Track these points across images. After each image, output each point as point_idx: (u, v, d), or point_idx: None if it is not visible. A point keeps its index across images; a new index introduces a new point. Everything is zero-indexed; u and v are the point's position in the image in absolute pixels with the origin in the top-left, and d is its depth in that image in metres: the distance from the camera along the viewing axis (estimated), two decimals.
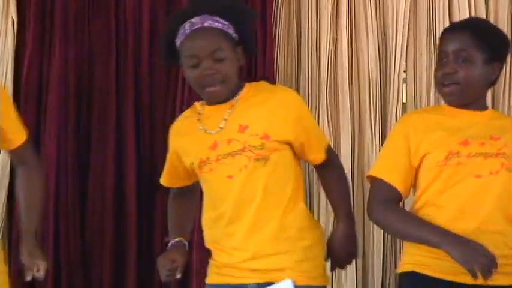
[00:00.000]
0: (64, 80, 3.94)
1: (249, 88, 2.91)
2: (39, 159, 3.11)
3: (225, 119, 2.87)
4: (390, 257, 4.05)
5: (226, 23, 2.83)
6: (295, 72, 4.08)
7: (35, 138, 3.78)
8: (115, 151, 3.80)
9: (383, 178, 2.96)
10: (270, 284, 2.73)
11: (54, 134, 3.90)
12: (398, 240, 3.84)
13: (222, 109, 2.87)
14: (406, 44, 4.09)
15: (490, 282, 2.70)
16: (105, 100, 3.97)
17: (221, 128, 2.87)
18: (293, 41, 4.09)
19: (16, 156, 3.09)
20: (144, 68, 3.92)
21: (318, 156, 2.98)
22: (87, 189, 3.96)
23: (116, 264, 3.92)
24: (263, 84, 3.00)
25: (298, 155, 2.92)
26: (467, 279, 2.68)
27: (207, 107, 2.91)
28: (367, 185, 3.18)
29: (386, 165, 3.00)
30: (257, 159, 2.86)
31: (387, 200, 2.98)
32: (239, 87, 2.89)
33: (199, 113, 2.93)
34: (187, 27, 2.83)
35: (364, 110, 3.97)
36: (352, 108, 3.97)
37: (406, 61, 4.10)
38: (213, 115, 2.88)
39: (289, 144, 2.86)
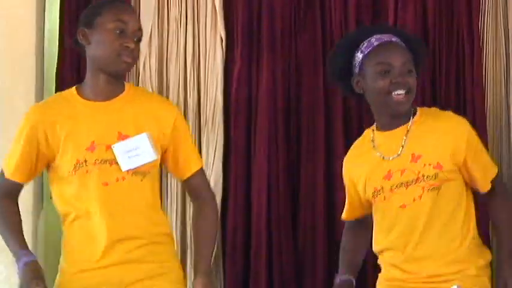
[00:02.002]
0: (272, 95, 4.01)
1: (420, 113, 3.07)
2: (211, 191, 3.13)
3: (402, 146, 3.05)
4: None
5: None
6: (503, 77, 4.04)
7: (246, 153, 3.97)
8: (325, 162, 3.83)
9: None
10: None
11: (264, 148, 3.98)
12: None
13: (397, 134, 3.06)
14: None
15: None
16: (314, 112, 4.02)
17: (398, 154, 3.06)
18: (501, 50, 4.02)
19: (188, 188, 3.16)
20: None
21: (484, 184, 3.08)
22: (299, 202, 4.00)
23: (329, 275, 3.84)
24: (433, 110, 3.14)
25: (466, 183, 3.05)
26: None
27: (379, 133, 3.10)
28: None
29: None
30: (430, 189, 3.01)
31: None
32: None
33: (372, 141, 3.12)
34: (373, 40, 3.06)
35: None
36: None
37: None
38: (387, 142, 3.08)
39: (459, 172, 2.99)
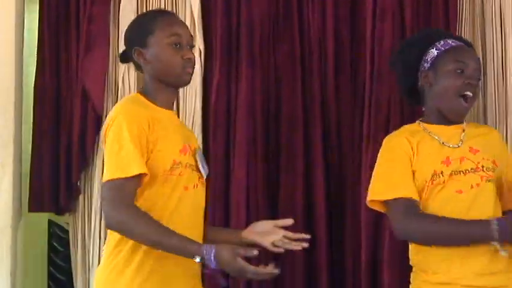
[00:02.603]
0: (251, 106, 4.01)
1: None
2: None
3: (461, 140, 3.16)
4: None
5: None
6: (481, 92, 4.00)
7: (225, 165, 3.97)
8: (304, 173, 3.84)
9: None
10: None
11: (243, 161, 3.97)
12: None
13: (455, 130, 3.19)
14: None
15: None
16: (293, 123, 4.01)
17: (458, 146, 3.15)
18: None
19: None
20: (330, 88, 3.98)
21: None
22: (278, 215, 3.94)
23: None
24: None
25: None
26: None
27: (433, 126, 3.19)
28: None
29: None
30: (488, 180, 3.13)
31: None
32: None
33: (424, 129, 3.20)
34: (450, 41, 3.22)
35: None
36: None
37: None
38: (445, 133, 3.17)
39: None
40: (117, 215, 2.84)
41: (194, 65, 3.07)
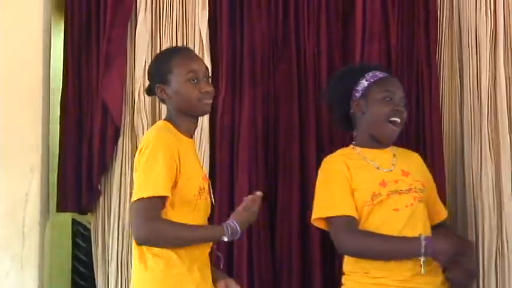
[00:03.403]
0: (253, 122, 4.16)
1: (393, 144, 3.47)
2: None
3: (393, 164, 3.40)
4: None
5: None
6: (458, 103, 4.22)
7: (230, 173, 4.13)
8: (300, 181, 4.01)
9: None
10: None
11: (245, 168, 4.13)
12: None
13: (386, 154, 3.43)
14: None
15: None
16: (290, 136, 4.18)
17: (391, 169, 3.37)
18: (456, 79, 4.21)
19: None
20: (324, 106, 4.08)
21: (441, 211, 3.59)
22: (276, 217, 4.15)
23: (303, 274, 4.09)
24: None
25: None
26: None
27: (366, 150, 3.41)
28: None
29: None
30: (420, 200, 3.37)
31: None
32: None
33: (359, 153, 3.41)
34: (378, 73, 3.47)
35: None
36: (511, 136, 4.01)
37: None
38: (378, 157, 3.40)
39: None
40: (149, 230, 3.01)
41: (213, 95, 3.24)
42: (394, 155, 3.45)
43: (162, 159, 3.02)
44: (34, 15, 4.25)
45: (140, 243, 3.12)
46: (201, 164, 3.42)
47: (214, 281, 3.26)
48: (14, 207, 4.17)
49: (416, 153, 3.65)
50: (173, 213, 3.08)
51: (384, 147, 3.43)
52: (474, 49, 4.11)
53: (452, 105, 4.24)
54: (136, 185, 3.07)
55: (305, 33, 4.20)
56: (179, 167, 3.06)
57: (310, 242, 4.04)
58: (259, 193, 3.21)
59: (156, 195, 2.99)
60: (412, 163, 3.51)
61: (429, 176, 3.61)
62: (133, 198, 3.06)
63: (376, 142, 3.42)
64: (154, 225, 3.00)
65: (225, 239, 3.10)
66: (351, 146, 3.49)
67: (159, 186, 2.99)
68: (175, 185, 3.07)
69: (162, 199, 3.02)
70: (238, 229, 3.10)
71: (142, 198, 2.99)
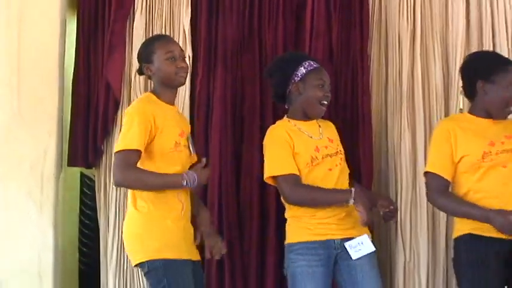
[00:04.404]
0: (224, 97, 4.46)
1: None
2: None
3: (321, 133, 3.69)
4: None
5: None
6: (383, 88, 4.59)
7: (205, 137, 4.42)
8: (259, 143, 4.00)
9: (436, 172, 3.51)
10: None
11: (217, 133, 4.41)
12: None
13: (314, 125, 3.71)
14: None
15: None
16: (252, 109, 4.49)
17: (320, 138, 3.68)
18: (382, 69, 4.62)
19: None
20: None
21: (349, 168, 3.79)
22: (241, 172, 4.46)
23: (261, 229, 4.47)
24: None
25: None
26: (504, 235, 3.35)
27: (298, 122, 3.67)
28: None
29: (437, 161, 3.52)
30: (343, 160, 3.73)
31: (440, 189, 3.52)
32: None
33: (295, 125, 3.66)
34: (313, 63, 3.72)
35: (433, 115, 4.48)
36: (424, 114, 4.47)
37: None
38: (309, 128, 3.67)
39: None
40: (123, 176, 3.30)
41: (187, 70, 3.53)
42: (319, 126, 3.71)
43: (137, 122, 3.29)
44: (53, 11, 4.60)
45: (116, 185, 3.50)
46: (186, 125, 3.66)
47: (194, 216, 3.52)
48: (35, 163, 4.49)
49: (331, 122, 3.87)
50: (151, 164, 3.38)
51: (311, 120, 3.70)
52: (397, 45, 4.53)
53: (379, 89, 4.61)
54: (118, 142, 3.41)
55: (265, 29, 4.51)
56: (154, 126, 3.32)
57: (268, 192, 4.30)
58: (204, 160, 3.46)
59: (129, 148, 3.29)
60: (332, 131, 3.78)
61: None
62: (114, 151, 3.39)
63: (306, 117, 3.68)
64: (126, 172, 3.27)
65: (184, 184, 3.33)
66: (285, 118, 3.72)
67: (133, 141, 3.28)
68: (152, 140, 3.34)
69: (136, 152, 3.30)
70: (196, 177, 3.35)
71: (120, 151, 3.31)
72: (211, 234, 3.55)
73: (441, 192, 3.49)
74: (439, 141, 3.53)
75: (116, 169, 3.32)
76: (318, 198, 3.53)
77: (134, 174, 3.29)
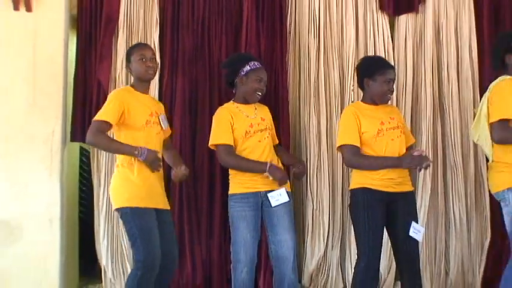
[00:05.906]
0: (183, 94, 5.44)
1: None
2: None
3: (255, 113, 4.48)
4: None
5: None
6: (297, 85, 5.64)
7: (169, 121, 4.88)
8: (209, 127, 4.73)
9: (350, 143, 4.14)
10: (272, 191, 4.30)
11: (178, 120, 5.40)
12: None
13: (251, 107, 4.47)
14: (353, 71, 5.46)
15: (398, 190, 4.06)
16: (203, 102, 5.49)
17: (254, 117, 4.45)
18: (296, 72, 5.66)
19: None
20: (223, 85, 5.19)
21: (277, 139, 4.59)
22: (195, 146, 5.46)
23: (210, 183, 5.50)
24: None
25: None
26: (393, 189, 4.02)
27: (241, 105, 4.38)
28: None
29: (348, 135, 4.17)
30: (270, 135, 4.53)
31: (356, 153, 4.17)
32: None
33: (237, 107, 4.39)
34: (256, 63, 4.47)
35: (333, 106, 5.59)
36: (326, 104, 5.55)
37: (352, 79, 5.52)
38: (245, 110, 4.39)
39: None
40: (92, 138, 4.02)
41: (155, 68, 4.28)
42: (255, 108, 4.46)
43: (112, 102, 4.05)
44: (59, 29, 5.44)
45: (87, 143, 4.22)
46: (158, 108, 4.38)
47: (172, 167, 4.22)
48: (46, 139, 5.29)
49: (266, 107, 4.62)
50: (121, 135, 4.14)
51: (249, 104, 4.45)
52: (307, 55, 5.67)
53: (294, 86, 5.73)
54: (97, 114, 4.11)
55: (213, 42, 5.55)
56: (126, 107, 4.04)
57: (215, 160, 5.18)
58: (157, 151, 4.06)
59: (102, 119, 4.04)
60: (265, 113, 4.55)
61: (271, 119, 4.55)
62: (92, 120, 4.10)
63: (246, 101, 4.45)
64: (95, 136, 4.01)
65: (136, 153, 3.96)
66: (231, 102, 4.48)
67: (106, 115, 4.03)
68: (123, 116, 4.04)
69: (106, 123, 4.04)
70: (145, 152, 4.01)
71: (95, 120, 4.07)
72: (177, 164, 4.38)
73: (358, 155, 4.17)
74: (348, 121, 4.25)
75: (89, 132, 4.09)
76: (242, 166, 4.40)
77: (100, 138, 4.06)
